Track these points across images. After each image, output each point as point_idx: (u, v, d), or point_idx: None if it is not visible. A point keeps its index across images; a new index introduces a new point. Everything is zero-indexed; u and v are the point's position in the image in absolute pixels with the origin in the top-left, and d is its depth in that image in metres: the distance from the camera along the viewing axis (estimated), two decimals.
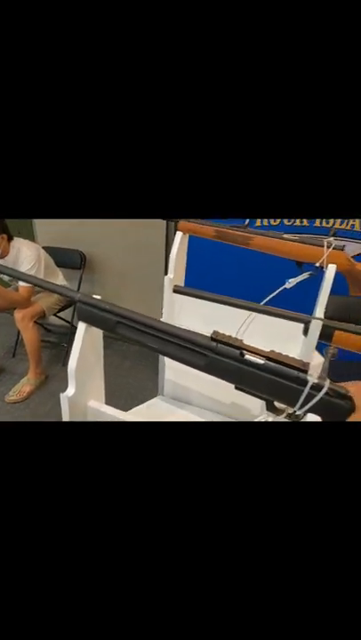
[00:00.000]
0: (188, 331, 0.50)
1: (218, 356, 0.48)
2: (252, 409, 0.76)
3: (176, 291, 0.65)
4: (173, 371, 0.82)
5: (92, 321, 0.56)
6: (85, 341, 0.57)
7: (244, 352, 0.47)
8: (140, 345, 0.52)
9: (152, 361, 1.90)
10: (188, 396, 0.82)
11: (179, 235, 0.91)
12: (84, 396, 0.60)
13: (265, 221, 1.73)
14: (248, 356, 0.46)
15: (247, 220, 1.80)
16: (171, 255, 0.90)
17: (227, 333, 0.49)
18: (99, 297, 0.57)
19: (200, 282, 1.10)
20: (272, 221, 1.75)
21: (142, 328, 0.51)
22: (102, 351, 0.62)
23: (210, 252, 1.44)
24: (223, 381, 0.67)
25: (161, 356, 0.95)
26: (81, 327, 0.57)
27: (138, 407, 0.80)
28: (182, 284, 1.01)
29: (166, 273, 0.92)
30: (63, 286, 0.60)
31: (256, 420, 0.53)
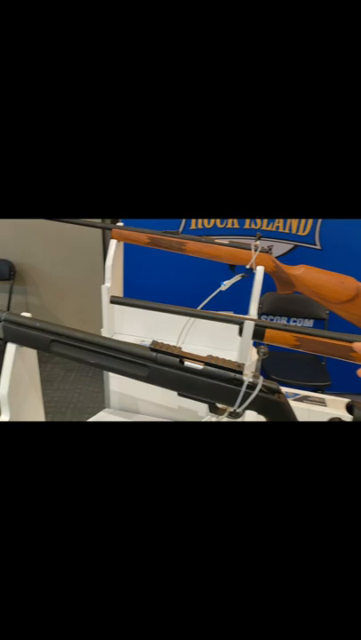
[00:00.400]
0: (128, 343, 0.50)
1: (159, 366, 0.48)
2: (199, 411, 0.78)
3: (113, 301, 0.64)
4: (118, 381, 0.81)
5: (22, 341, 0.53)
6: (17, 362, 0.53)
7: (183, 359, 0.48)
8: (78, 362, 0.51)
9: (99, 371, 1.85)
10: (136, 406, 0.82)
11: (113, 242, 0.90)
12: (22, 419, 0.56)
13: (199, 223, 1.80)
14: (187, 363, 0.48)
15: (182, 225, 1.84)
16: (107, 263, 0.89)
17: (169, 339, 0.50)
18: (28, 314, 0.54)
19: (140, 289, 1.10)
20: (205, 223, 1.82)
21: (79, 344, 0.50)
22: (37, 368, 0.59)
23: (148, 259, 1.45)
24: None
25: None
26: (10, 348, 0.53)
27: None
28: (121, 293, 1.00)
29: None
30: None
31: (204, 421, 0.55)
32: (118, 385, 0.81)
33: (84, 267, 1.92)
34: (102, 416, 0.82)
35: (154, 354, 0.49)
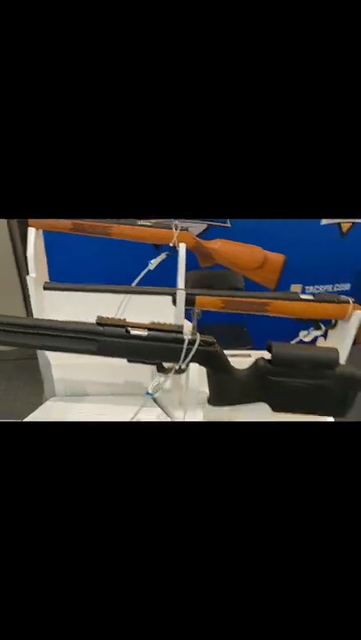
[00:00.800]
0: (73, 322, 0.53)
1: (107, 338, 0.52)
2: (144, 382, 0.84)
3: (47, 288, 0.65)
4: (62, 369, 0.82)
5: None
6: None
7: (129, 329, 0.53)
8: (21, 347, 0.52)
9: (30, 373, 1.76)
10: (84, 388, 0.84)
11: (31, 231, 0.87)
12: None
13: None
14: (133, 332, 0.53)
15: None
16: (28, 254, 0.86)
17: None
18: None
19: (66, 277, 1.09)
20: None
21: (23, 330, 0.51)
22: None
23: (71, 246, 1.41)
24: (114, 364, 0.72)
25: (42, 361, 0.92)
26: None
27: (32, 414, 0.77)
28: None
29: (21, 273, 0.88)
30: None
31: (151, 386, 0.61)
32: (63, 372, 0.82)
33: None
34: (49, 405, 0.82)
35: (101, 328, 0.52)
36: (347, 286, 2.21)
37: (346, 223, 2.07)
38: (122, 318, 0.54)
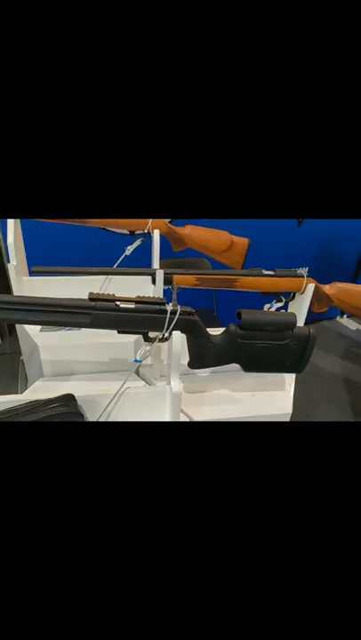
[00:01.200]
0: (68, 298, 0.59)
1: (99, 311, 0.59)
2: (128, 357, 0.91)
3: (35, 271, 0.70)
4: (50, 349, 0.86)
5: None
6: None
7: (118, 303, 0.60)
8: (21, 323, 0.57)
9: (5, 368, 1.76)
10: (71, 367, 0.90)
11: (10, 222, 0.90)
12: None
13: None
14: (122, 305, 0.60)
15: None
16: (8, 243, 0.90)
17: None
18: None
19: (43, 264, 1.12)
20: None
21: (24, 307, 0.56)
22: None
23: (49, 235, 1.42)
24: (98, 344, 0.79)
25: (24, 345, 0.95)
26: None
27: (24, 394, 0.81)
28: (26, 271, 1.02)
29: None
30: None
31: (139, 353, 0.68)
32: (50, 352, 0.87)
33: None
34: (39, 385, 0.86)
35: (93, 302, 0.59)
36: (305, 270, 2.41)
37: None
38: (111, 294, 0.61)
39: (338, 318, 2.49)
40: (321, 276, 0.93)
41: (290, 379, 0.87)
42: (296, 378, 0.85)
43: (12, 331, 2.04)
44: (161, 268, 0.96)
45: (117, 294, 0.62)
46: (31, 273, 0.70)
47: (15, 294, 0.93)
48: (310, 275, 0.86)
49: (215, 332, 0.70)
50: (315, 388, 1.88)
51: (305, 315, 0.85)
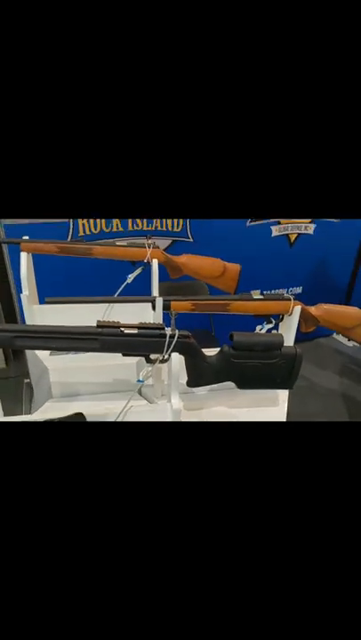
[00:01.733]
0: (78, 326, 0.66)
1: (106, 337, 0.66)
2: (131, 378, 0.98)
3: (48, 302, 0.78)
4: (58, 372, 0.93)
5: None
6: None
7: (122, 329, 0.68)
8: (40, 349, 0.64)
9: (9, 391, 1.81)
10: (77, 389, 0.96)
11: (24, 255, 0.99)
12: None
13: (87, 229, 1.93)
14: (126, 331, 0.68)
15: (70, 231, 1.91)
16: (22, 275, 0.98)
17: None
18: None
19: (50, 292, 1.20)
20: (93, 229, 1.96)
21: (41, 335, 0.64)
22: None
23: (53, 267, 1.51)
24: (102, 367, 0.85)
25: (33, 368, 1.02)
26: None
27: (34, 414, 0.87)
28: (37, 300, 1.10)
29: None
30: None
31: (141, 374, 0.75)
32: (59, 375, 0.93)
33: None
34: (48, 406, 0.92)
35: (100, 329, 0.66)
36: (299, 289, 2.50)
37: (293, 234, 2.36)
38: (116, 321, 0.68)
39: (334, 335, 2.55)
40: (315, 295, 1.00)
41: (283, 395, 0.94)
42: (292, 393, 0.91)
43: (16, 355, 2.11)
44: (160, 290, 1.05)
45: (120, 319, 0.69)
46: (44, 302, 0.78)
47: (27, 320, 1.01)
48: (304, 295, 0.94)
49: (212, 352, 0.77)
50: (311, 404, 1.93)
51: (293, 334, 0.92)
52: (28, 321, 1.00)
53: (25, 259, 0.99)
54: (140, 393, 0.94)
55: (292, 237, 2.37)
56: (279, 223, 2.29)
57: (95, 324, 0.67)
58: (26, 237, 1.03)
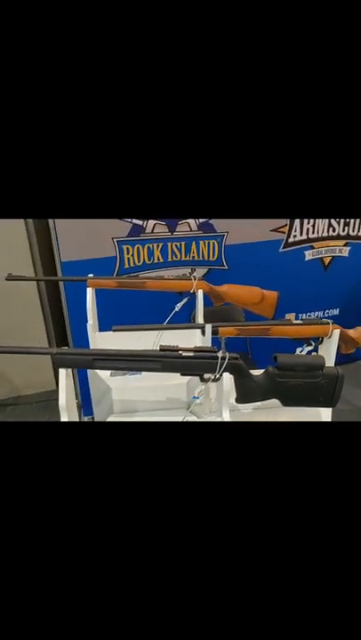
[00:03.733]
0: (144, 350, 0.79)
1: (168, 359, 0.79)
2: (181, 397, 1.08)
3: (115, 330, 0.92)
4: (119, 391, 1.06)
5: (70, 364, 0.77)
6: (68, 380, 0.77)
7: (181, 352, 0.79)
8: (116, 369, 0.78)
9: (52, 412, 1.97)
10: (135, 406, 1.08)
11: (89, 290, 1.16)
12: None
13: (131, 262, 2.12)
14: (184, 354, 0.79)
15: (117, 266, 2.09)
16: (88, 307, 1.15)
17: None
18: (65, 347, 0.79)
19: (104, 324, 1.35)
20: (136, 261, 2.15)
21: (115, 358, 0.77)
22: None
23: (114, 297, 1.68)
24: (157, 386, 0.97)
25: (94, 389, 1.16)
26: (62, 372, 0.77)
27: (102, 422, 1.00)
28: (97, 327, 1.26)
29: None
30: (31, 347, 0.79)
31: (196, 391, 0.86)
32: (119, 393, 1.07)
33: (22, 316, 2.04)
34: (114, 418, 1.05)
35: (162, 352, 0.79)
36: (336, 311, 2.52)
37: (326, 257, 2.42)
38: (176, 345, 0.81)
39: None
40: (353, 316, 1.05)
41: (326, 413, 0.99)
42: (334, 416, 0.96)
43: None
44: (207, 315, 1.16)
45: (170, 343, 0.80)
46: (112, 330, 0.93)
47: (91, 345, 1.16)
48: (341, 316, 1.01)
49: (253, 372, 0.86)
50: None
51: (334, 355, 0.99)
52: (92, 346, 1.15)
53: (90, 294, 1.16)
54: (189, 411, 1.04)
55: (327, 260, 2.42)
56: (313, 247, 2.36)
57: (158, 348, 0.79)
58: (91, 275, 1.20)
